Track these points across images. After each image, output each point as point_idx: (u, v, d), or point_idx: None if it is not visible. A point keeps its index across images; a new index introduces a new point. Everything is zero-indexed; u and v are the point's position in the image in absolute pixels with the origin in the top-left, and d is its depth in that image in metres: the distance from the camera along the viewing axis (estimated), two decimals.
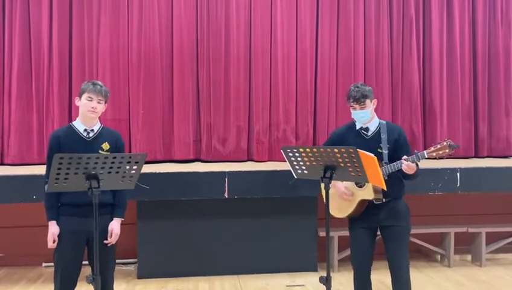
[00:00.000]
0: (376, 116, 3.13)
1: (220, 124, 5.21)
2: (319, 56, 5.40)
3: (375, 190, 2.97)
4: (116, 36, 5.06)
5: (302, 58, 5.34)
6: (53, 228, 2.85)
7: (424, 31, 5.61)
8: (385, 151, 2.98)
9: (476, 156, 5.65)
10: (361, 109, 3.03)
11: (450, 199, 5.25)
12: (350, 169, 2.60)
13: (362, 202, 3.05)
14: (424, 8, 5.60)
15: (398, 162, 2.90)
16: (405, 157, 2.87)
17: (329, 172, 2.63)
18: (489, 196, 5.28)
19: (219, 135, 5.21)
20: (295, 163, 2.74)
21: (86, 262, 2.89)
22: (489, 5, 5.70)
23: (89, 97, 2.87)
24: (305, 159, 2.68)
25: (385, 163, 2.97)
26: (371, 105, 3.05)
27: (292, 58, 5.33)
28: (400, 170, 2.91)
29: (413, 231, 4.85)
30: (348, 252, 4.89)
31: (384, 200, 3.01)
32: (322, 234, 4.70)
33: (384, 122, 3.12)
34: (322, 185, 3.09)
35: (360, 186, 3.03)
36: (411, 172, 2.88)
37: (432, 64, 5.58)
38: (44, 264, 4.84)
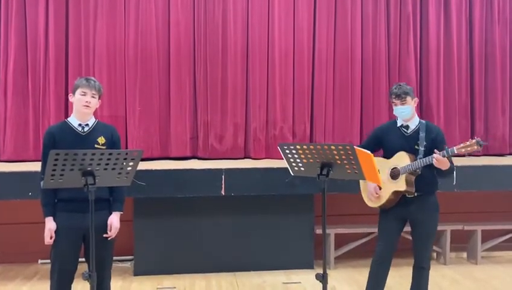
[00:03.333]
0: (417, 116, 3.32)
1: (217, 122, 5.19)
2: (316, 54, 5.39)
3: (408, 182, 3.14)
4: (113, 32, 5.04)
5: (299, 56, 5.33)
6: (50, 224, 2.84)
7: (421, 28, 5.60)
8: (421, 148, 3.17)
9: (472, 154, 5.65)
10: (402, 104, 3.21)
11: (446, 197, 5.24)
12: (347, 166, 2.60)
13: (395, 193, 3.21)
14: (421, 5, 5.59)
15: (429, 157, 3.06)
16: (436, 151, 3.03)
17: (326, 169, 2.62)
18: (485, 194, 5.30)
19: (216, 132, 5.20)
20: (292, 160, 2.74)
21: (83, 259, 2.89)
22: (486, 4, 5.70)
23: (83, 92, 2.87)
24: (302, 156, 2.68)
25: (419, 158, 3.15)
26: (411, 102, 3.24)
27: (289, 56, 5.32)
28: (435, 167, 3.07)
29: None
30: (344, 250, 4.91)
31: (415, 194, 3.18)
32: (319, 231, 4.71)
33: (424, 122, 3.30)
34: (361, 182, 3.41)
35: (394, 179, 3.19)
36: (442, 166, 3.03)
37: (429, 62, 5.58)
38: (40, 261, 4.83)
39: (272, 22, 5.28)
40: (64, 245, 2.83)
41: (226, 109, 5.20)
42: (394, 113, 3.30)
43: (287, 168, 2.84)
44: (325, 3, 5.38)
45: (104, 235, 2.84)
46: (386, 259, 3.31)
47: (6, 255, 4.83)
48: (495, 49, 5.70)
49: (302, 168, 2.75)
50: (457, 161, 4.93)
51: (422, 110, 5.63)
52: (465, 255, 5.23)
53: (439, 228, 4.98)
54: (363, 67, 5.47)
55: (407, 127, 3.28)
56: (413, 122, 3.27)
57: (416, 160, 3.14)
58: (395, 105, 3.24)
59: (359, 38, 5.44)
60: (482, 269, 4.87)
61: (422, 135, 3.19)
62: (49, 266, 2.92)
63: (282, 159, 2.80)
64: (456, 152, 2.99)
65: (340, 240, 4.89)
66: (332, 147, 2.56)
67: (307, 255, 4.73)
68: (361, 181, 3.42)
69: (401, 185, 3.17)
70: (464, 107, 5.64)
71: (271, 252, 4.69)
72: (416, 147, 3.18)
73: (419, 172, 3.14)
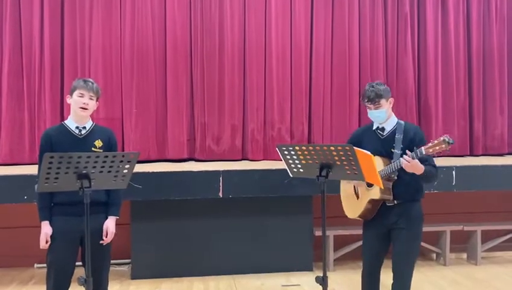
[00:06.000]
0: (394, 116, 3.06)
1: (214, 123, 5.16)
2: (313, 54, 5.36)
3: (382, 189, 2.89)
4: (109, 33, 5.00)
5: (296, 57, 5.30)
6: (46, 228, 2.80)
7: (418, 28, 5.58)
8: (397, 151, 2.90)
9: (471, 154, 5.64)
10: (376, 108, 2.97)
11: (445, 197, 5.24)
12: (346, 167, 2.56)
13: (371, 202, 2.98)
14: (418, 5, 5.58)
15: (398, 161, 2.83)
16: (405, 156, 2.79)
17: (325, 170, 2.59)
18: (484, 194, 5.28)
19: (213, 133, 5.16)
20: (291, 161, 2.71)
21: (80, 263, 2.84)
22: (483, 3, 5.69)
23: (81, 94, 2.83)
24: (301, 157, 2.64)
25: (393, 162, 2.89)
26: (386, 104, 2.98)
27: (287, 57, 5.29)
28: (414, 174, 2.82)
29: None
30: (343, 252, 4.88)
31: (395, 202, 2.94)
32: (318, 233, 4.67)
33: (402, 122, 3.04)
34: (342, 185, 3.19)
35: (370, 186, 2.96)
36: (413, 170, 2.78)
37: (426, 61, 5.56)
38: (36, 265, 4.78)
39: (268, 22, 5.25)
40: (60, 249, 2.78)
41: (223, 110, 5.16)
42: (369, 116, 3.04)
43: (285, 170, 2.81)
44: (322, 3, 5.35)
45: (100, 242, 2.80)
46: (373, 272, 3.09)
47: (1, 260, 4.77)
48: (493, 48, 5.68)
49: (301, 170, 2.71)
50: (457, 161, 4.94)
51: (420, 110, 5.61)
52: (465, 255, 5.20)
53: (439, 228, 5.03)
54: (361, 67, 5.44)
55: (382, 129, 3.02)
56: (389, 124, 3.01)
57: (390, 164, 2.88)
58: (369, 109, 2.98)
59: (357, 38, 5.42)
60: (482, 269, 4.84)
61: (398, 136, 2.93)
62: (45, 271, 2.87)
63: (280, 160, 2.77)
64: (424, 153, 2.71)
65: (339, 242, 4.86)
66: (332, 148, 2.53)
67: (306, 257, 4.69)
68: (342, 190, 3.20)
69: (375, 192, 2.92)
70: (462, 107, 5.63)
71: (269, 254, 4.65)
72: (392, 150, 2.92)
73: (395, 177, 2.87)
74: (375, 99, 2.95)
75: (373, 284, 3.12)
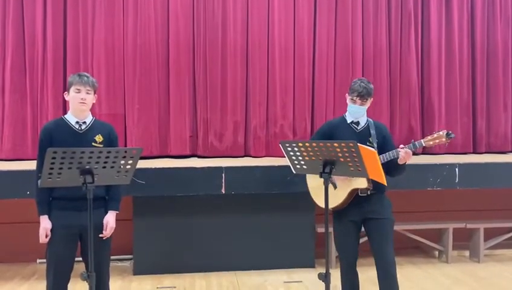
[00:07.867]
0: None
1: (216, 120, 5.15)
2: (316, 51, 5.35)
3: (368, 179, 2.95)
4: (111, 29, 4.99)
5: (299, 53, 5.29)
6: (44, 223, 2.80)
7: (422, 26, 5.56)
8: (375, 145, 3.04)
9: (474, 152, 5.63)
10: (361, 105, 3.08)
11: (448, 195, 5.23)
12: (350, 164, 2.56)
13: (352, 192, 3.04)
14: (422, 2, 5.56)
15: (393, 151, 2.95)
16: (402, 145, 2.91)
17: (329, 167, 2.59)
18: (487, 191, 5.26)
19: (216, 130, 5.15)
20: (294, 158, 2.71)
21: (79, 258, 2.84)
22: (488, 1, 5.66)
23: (77, 89, 2.83)
24: (304, 153, 2.64)
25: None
26: (369, 103, 3.13)
27: (289, 53, 5.27)
28: (389, 165, 2.94)
29: (411, 227, 4.90)
30: None
31: (369, 192, 3.03)
32: (320, 229, 4.67)
33: (371, 120, 3.19)
34: (308, 181, 3.20)
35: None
36: (406, 160, 2.92)
37: (430, 59, 5.54)
38: (38, 260, 4.78)
39: (271, 18, 5.24)
40: (59, 244, 2.78)
41: (226, 107, 5.16)
42: (349, 109, 3.14)
43: (287, 166, 2.81)
44: (325, 1, 5.33)
45: (100, 235, 2.79)
46: (351, 268, 3.13)
47: (4, 255, 4.79)
48: (497, 46, 5.66)
49: (305, 166, 2.71)
50: (460, 159, 4.93)
51: (423, 107, 5.60)
52: (467, 253, 5.19)
53: (442, 226, 5.02)
54: (364, 63, 5.43)
55: (357, 123, 3.15)
56: (363, 119, 3.16)
57: (384, 154, 2.99)
58: (354, 103, 3.08)
59: (360, 35, 5.40)
60: (484, 267, 4.83)
61: (373, 132, 3.09)
62: None
63: (283, 157, 2.77)
64: (424, 144, 2.84)
65: None
66: (335, 145, 2.53)
67: (308, 253, 4.69)
68: (309, 181, 3.20)
69: (361, 182, 2.96)
70: (466, 104, 5.61)
71: (272, 251, 4.65)
72: (369, 143, 3.02)
73: None
74: (365, 96, 3.06)
75: (353, 278, 3.15)
